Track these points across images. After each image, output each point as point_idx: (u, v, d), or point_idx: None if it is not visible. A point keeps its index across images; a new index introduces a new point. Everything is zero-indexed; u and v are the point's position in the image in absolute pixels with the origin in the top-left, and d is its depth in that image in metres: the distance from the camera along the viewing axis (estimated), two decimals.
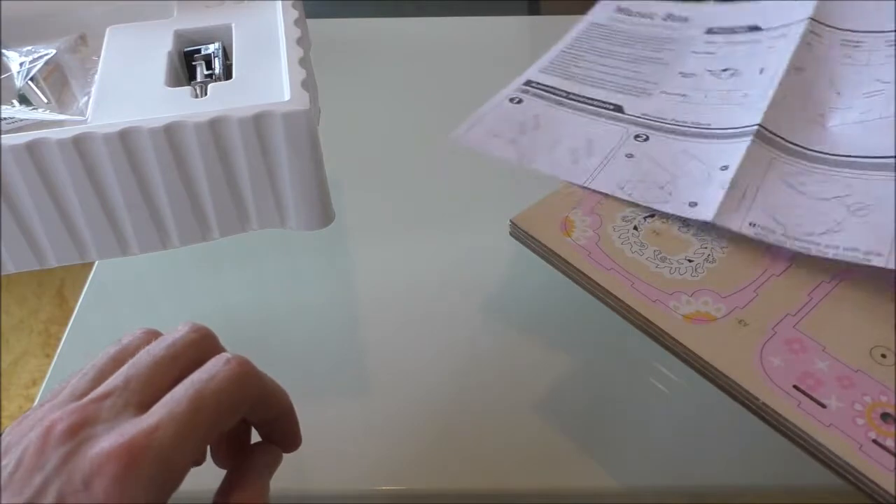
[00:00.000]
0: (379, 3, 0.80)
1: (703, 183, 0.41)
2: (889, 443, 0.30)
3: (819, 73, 0.46)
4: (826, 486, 0.33)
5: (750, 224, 0.38)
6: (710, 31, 0.54)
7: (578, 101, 0.49)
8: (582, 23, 0.59)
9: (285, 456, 0.30)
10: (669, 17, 0.57)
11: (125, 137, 0.36)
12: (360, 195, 0.56)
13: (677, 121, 0.46)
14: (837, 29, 0.49)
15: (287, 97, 0.38)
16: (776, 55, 0.48)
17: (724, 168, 0.41)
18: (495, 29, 0.74)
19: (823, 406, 0.31)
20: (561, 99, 0.50)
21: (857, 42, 0.48)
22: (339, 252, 0.53)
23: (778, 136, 0.42)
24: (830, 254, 0.35)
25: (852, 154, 0.40)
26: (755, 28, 0.52)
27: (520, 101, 0.49)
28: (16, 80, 0.44)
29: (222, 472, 0.29)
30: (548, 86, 0.51)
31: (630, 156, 0.44)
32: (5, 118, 0.42)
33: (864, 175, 0.39)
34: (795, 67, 0.46)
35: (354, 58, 0.70)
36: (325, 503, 0.39)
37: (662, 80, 0.51)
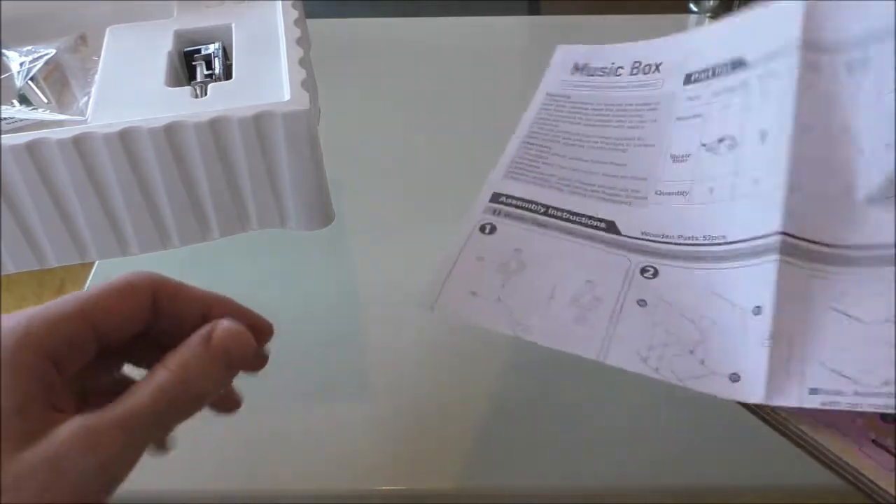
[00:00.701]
0: (379, 3, 0.80)
1: (740, 339, 0.32)
2: (889, 443, 0.30)
3: (830, 128, 0.35)
4: (826, 485, 0.33)
5: (811, 391, 0.29)
6: (689, 79, 0.42)
7: (562, 220, 0.38)
8: (538, 94, 0.46)
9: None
10: (637, 67, 0.45)
11: (125, 137, 0.36)
12: (360, 195, 0.56)
13: (685, 237, 0.36)
14: (835, 51, 0.36)
15: (287, 97, 0.38)
16: (774, 107, 0.37)
17: (758, 311, 0.32)
18: (495, 29, 0.74)
19: None
20: (539, 217, 0.39)
21: (865, 59, 0.35)
22: (339, 252, 0.53)
23: (806, 241, 0.33)
24: None
25: None
26: (739, 63, 0.40)
27: (493, 230, 0.38)
28: (16, 80, 0.44)
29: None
30: (520, 199, 0.40)
31: (643, 303, 0.34)
32: (5, 118, 0.42)
33: None
34: (802, 126, 0.35)
35: (354, 58, 0.70)
36: (326, 503, 0.39)
37: (653, 171, 0.40)
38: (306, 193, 0.40)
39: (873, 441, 0.30)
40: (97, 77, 0.43)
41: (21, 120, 0.42)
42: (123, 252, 0.40)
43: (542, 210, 0.39)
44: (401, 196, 0.57)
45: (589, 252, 0.37)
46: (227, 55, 0.45)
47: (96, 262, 0.52)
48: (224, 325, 0.24)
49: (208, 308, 0.26)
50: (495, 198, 0.40)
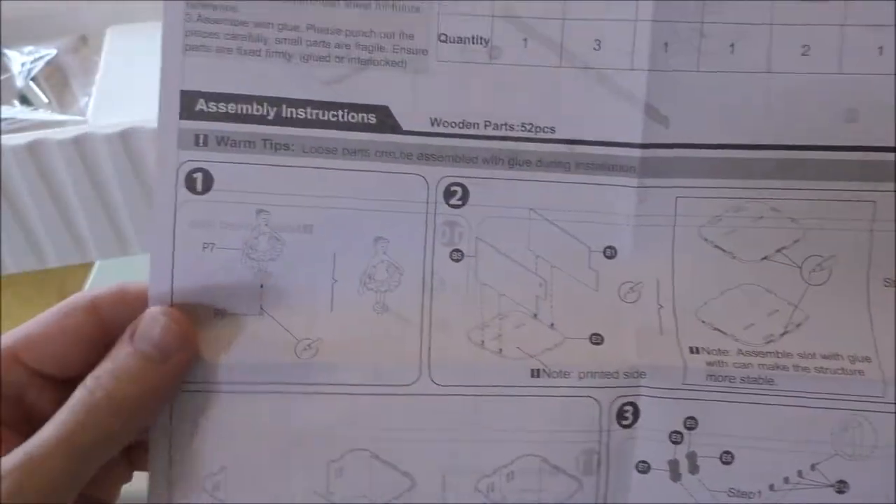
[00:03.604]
0: None
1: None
2: None
3: None
4: None
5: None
6: None
7: (306, 125, 0.22)
8: None
9: None
10: None
11: (126, 137, 0.36)
12: None
13: (496, 124, 0.22)
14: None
15: None
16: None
17: (612, 254, 0.23)
18: None
19: None
20: (272, 132, 0.22)
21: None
22: None
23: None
24: None
25: None
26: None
27: (207, 182, 0.22)
28: (17, 81, 0.44)
29: None
30: (231, 95, 0.22)
31: (457, 254, 0.22)
32: (6, 118, 0.42)
33: None
34: None
35: None
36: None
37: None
38: None
39: None
40: (98, 77, 0.43)
41: (22, 120, 0.42)
42: (124, 252, 0.40)
43: (273, 113, 0.22)
44: None
45: (364, 183, 0.22)
46: None
47: (96, 262, 0.52)
48: (151, 313, 0.21)
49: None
50: (189, 104, 0.22)
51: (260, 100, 0.22)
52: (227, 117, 0.22)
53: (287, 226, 0.22)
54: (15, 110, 0.43)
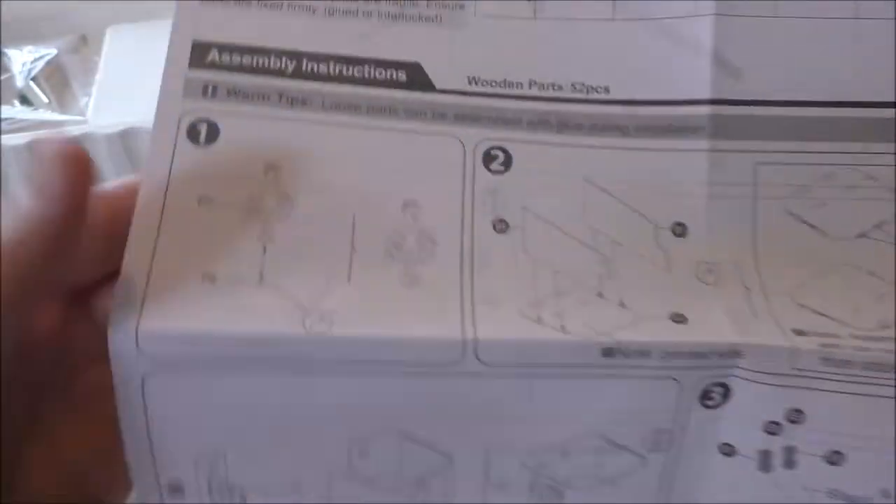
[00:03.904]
0: None
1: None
2: None
3: None
4: None
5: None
6: None
7: (329, 80, 0.20)
8: None
9: None
10: None
11: (126, 137, 0.36)
12: None
13: (544, 84, 0.20)
14: None
15: None
16: None
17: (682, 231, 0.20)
18: None
19: None
20: (290, 85, 0.20)
21: None
22: None
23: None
24: None
25: None
26: None
27: (213, 133, 0.19)
28: (17, 80, 0.44)
29: None
30: (245, 48, 0.20)
31: (502, 225, 0.19)
32: (6, 118, 0.42)
33: None
34: None
35: None
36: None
37: None
38: None
39: None
40: (98, 77, 0.43)
41: (22, 120, 0.42)
42: None
43: (292, 66, 0.20)
44: None
45: (391, 143, 0.19)
46: None
47: None
48: None
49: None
50: (200, 54, 0.20)
51: (279, 53, 0.20)
52: (241, 69, 0.19)
53: (299, 185, 0.19)
54: (15, 110, 0.43)
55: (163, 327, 0.17)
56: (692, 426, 0.19)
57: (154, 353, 0.17)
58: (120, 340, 0.17)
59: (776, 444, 0.18)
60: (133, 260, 0.17)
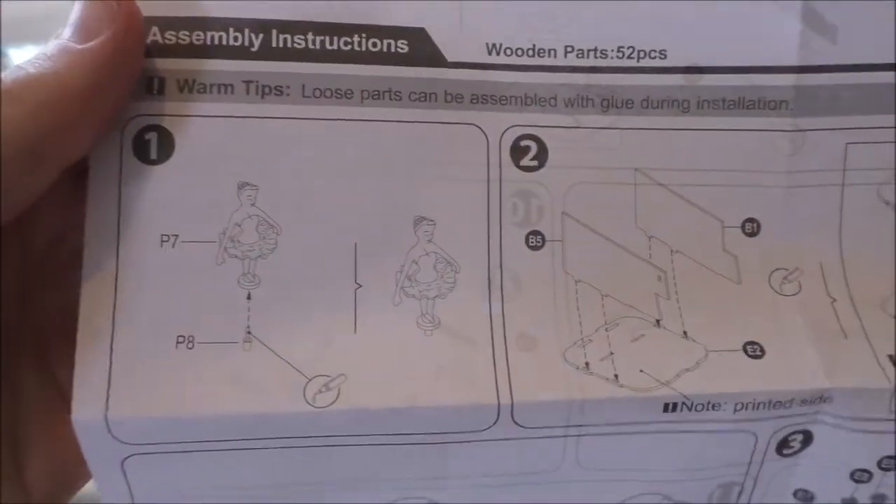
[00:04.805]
0: None
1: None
2: None
3: None
4: None
5: None
6: None
7: (312, 58, 0.15)
8: None
9: None
10: None
11: None
12: None
13: (617, 48, 0.16)
14: None
15: None
16: None
17: None
18: None
19: None
20: (261, 67, 0.15)
21: None
22: None
23: None
24: None
25: None
26: None
27: (165, 141, 0.15)
28: None
29: None
30: (198, 19, 0.15)
31: (536, 238, 0.16)
32: None
33: None
34: None
35: None
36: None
37: None
38: None
39: None
40: None
41: None
42: None
43: (258, 42, 0.15)
44: None
45: (393, 139, 0.15)
46: None
47: None
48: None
49: None
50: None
51: (239, 24, 0.15)
52: (191, 51, 0.15)
53: (283, 206, 0.15)
54: None
55: (135, 415, 0.14)
56: (764, 476, 0.16)
57: (131, 439, 0.14)
58: (88, 429, 0.14)
59: (864, 492, 0.16)
60: (90, 328, 0.14)
